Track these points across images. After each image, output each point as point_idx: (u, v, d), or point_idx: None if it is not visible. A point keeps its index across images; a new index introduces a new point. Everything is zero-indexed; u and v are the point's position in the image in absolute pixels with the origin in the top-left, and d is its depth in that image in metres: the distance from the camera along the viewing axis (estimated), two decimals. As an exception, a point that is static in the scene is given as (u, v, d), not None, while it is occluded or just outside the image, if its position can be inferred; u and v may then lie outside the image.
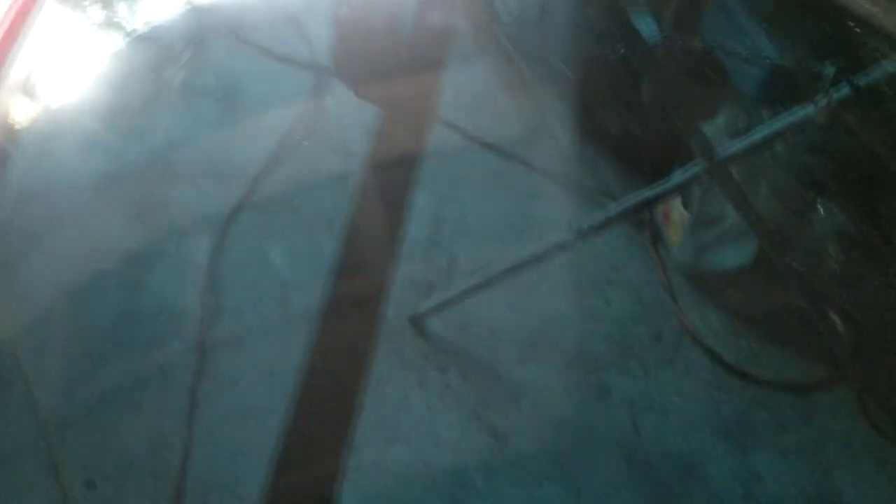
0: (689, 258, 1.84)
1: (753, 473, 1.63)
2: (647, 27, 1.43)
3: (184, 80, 2.23)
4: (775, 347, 1.81)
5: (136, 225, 1.98)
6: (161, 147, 2.07)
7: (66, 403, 1.69)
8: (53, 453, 1.61)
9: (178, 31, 2.35)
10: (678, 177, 1.39)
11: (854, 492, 1.61)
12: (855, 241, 1.65)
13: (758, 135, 1.30)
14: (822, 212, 1.66)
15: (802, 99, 1.27)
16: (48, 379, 1.70)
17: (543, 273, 1.89)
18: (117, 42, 2.32)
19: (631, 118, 1.98)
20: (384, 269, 1.83)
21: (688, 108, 1.47)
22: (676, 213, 1.85)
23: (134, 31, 2.33)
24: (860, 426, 1.68)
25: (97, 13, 2.41)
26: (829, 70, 1.17)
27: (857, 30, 1.26)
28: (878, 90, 1.28)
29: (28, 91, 2.04)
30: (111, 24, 2.37)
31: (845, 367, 1.67)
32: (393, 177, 2.00)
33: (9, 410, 1.66)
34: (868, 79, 1.16)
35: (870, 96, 1.22)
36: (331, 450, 1.59)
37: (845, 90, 1.18)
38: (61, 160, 2.06)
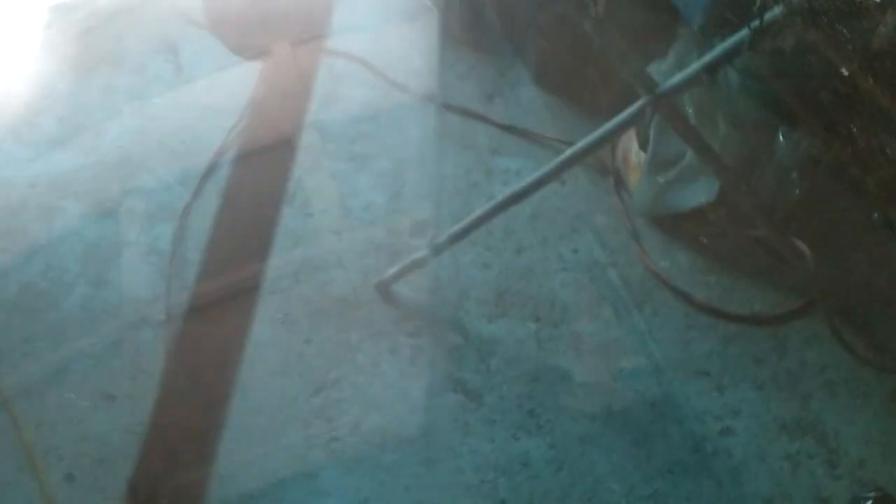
0: (649, 200, 1.82)
1: (730, 408, 1.63)
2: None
3: (122, 55, 2.18)
4: (745, 282, 1.80)
5: (97, 217, 1.96)
6: (112, 134, 2.04)
7: (39, 400, 1.68)
8: (30, 450, 1.60)
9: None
10: (619, 118, 1.36)
11: (833, 417, 1.61)
12: (818, 164, 1.63)
13: (695, 65, 1.27)
14: (782, 139, 1.63)
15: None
16: (18, 377, 1.69)
17: (510, 227, 1.87)
18: (41, 17, 2.26)
19: (583, 62, 1.94)
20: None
21: (629, 45, 1.44)
22: (634, 156, 1.83)
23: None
24: (835, 353, 1.68)
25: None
26: (760, -10, 1.14)
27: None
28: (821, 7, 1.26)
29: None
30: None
31: (815, 294, 1.66)
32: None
33: (-21, 412, 1.65)
34: (801, -3, 1.14)
35: (809, 14, 1.19)
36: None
37: (778, 10, 1.16)
38: (13, 156, 2.04)
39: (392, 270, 1.73)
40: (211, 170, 1.97)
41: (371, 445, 1.57)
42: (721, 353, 1.70)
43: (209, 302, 1.78)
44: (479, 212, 1.62)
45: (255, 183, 1.95)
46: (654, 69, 1.69)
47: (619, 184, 1.93)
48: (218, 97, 2.07)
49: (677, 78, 1.30)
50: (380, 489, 1.52)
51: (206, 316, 1.77)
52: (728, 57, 1.24)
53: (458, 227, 1.64)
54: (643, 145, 1.78)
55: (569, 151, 1.48)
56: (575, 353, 1.69)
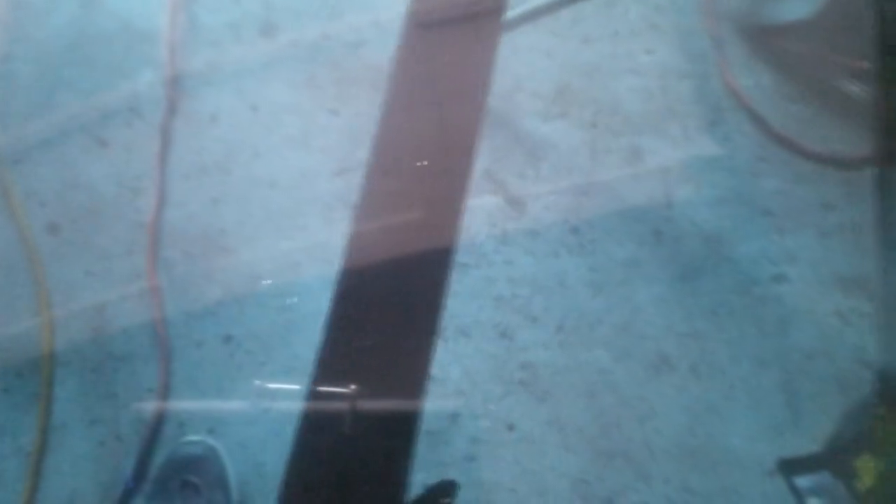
0: (746, 4, 1.56)
1: (787, 254, 1.49)
2: None
3: None
4: (830, 116, 1.60)
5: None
6: None
7: (19, 133, 1.47)
8: (8, 190, 1.41)
9: None
10: None
11: None
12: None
13: None
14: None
15: None
16: (-5, 104, 1.47)
17: (578, 13, 1.61)
18: None
19: None
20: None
21: None
22: (746, -52, 1.55)
23: None
24: (914, 211, 1.53)
25: None
26: None
27: None
28: None
29: None
30: None
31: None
32: None
33: (-50, 139, 1.44)
34: None
35: None
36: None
37: None
38: None
39: (441, 44, 1.48)
40: None
41: (396, 240, 1.41)
42: (789, 193, 1.53)
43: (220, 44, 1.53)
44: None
45: None
46: None
47: (713, -21, 1.65)
48: None
49: None
50: (402, 288, 1.38)
51: (215, 66, 1.53)
52: None
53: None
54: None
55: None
56: (632, 171, 1.51)
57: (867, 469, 1.17)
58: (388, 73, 0.91)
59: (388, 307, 0.83)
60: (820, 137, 1.58)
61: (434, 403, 1.30)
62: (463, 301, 1.37)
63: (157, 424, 1.26)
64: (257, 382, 1.27)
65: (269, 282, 1.33)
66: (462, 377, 1.32)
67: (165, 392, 1.27)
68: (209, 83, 1.51)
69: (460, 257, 1.41)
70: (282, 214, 1.40)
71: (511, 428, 1.29)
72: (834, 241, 1.50)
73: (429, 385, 1.30)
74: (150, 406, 1.27)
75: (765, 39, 1.62)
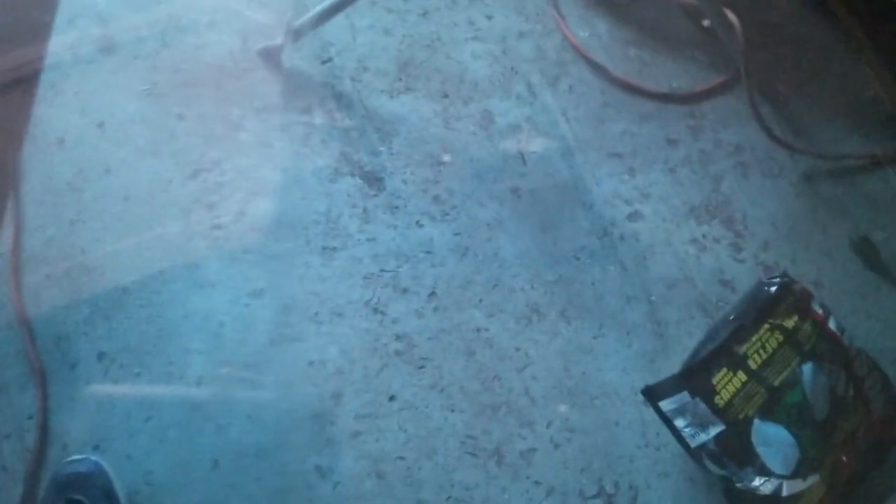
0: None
1: (641, 192, 1.56)
2: None
3: None
4: (666, 56, 1.67)
5: None
6: None
7: None
8: None
9: None
10: None
11: (742, 200, 1.57)
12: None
13: None
14: None
15: None
16: None
17: (412, -13, 1.64)
18: None
19: None
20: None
21: None
22: None
23: None
24: (750, 134, 1.61)
25: None
26: None
27: None
28: None
29: None
30: None
31: (740, 67, 1.55)
32: None
33: None
34: None
35: None
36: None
37: None
38: None
39: (280, 35, 1.50)
40: None
41: (259, 234, 1.43)
42: (635, 133, 1.60)
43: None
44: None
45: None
46: None
47: (538, -61, 1.70)
48: None
49: None
50: (272, 279, 1.40)
51: (57, 89, 1.51)
52: None
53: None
54: None
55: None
56: (484, 134, 1.55)
57: (724, 384, 1.25)
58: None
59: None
60: (658, 77, 1.66)
61: (316, 386, 1.33)
62: (333, 283, 1.40)
63: (41, 450, 1.25)
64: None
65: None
66: (340, 357, 1.35)
67: (45, 417, 1.27)
68: (53, 106, 1.50)
69: (326, 242, 1.43)
70: (140, 225, 1.40)
71: (392, 398, 1.33)
72: (681, 173, 1.58)
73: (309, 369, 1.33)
74: (31, 433, 1.27)
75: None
